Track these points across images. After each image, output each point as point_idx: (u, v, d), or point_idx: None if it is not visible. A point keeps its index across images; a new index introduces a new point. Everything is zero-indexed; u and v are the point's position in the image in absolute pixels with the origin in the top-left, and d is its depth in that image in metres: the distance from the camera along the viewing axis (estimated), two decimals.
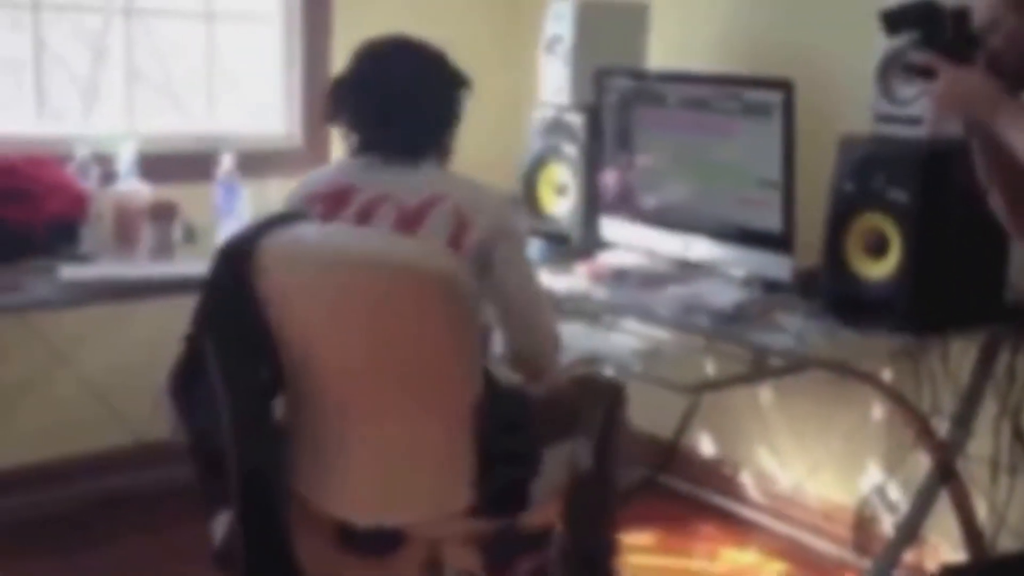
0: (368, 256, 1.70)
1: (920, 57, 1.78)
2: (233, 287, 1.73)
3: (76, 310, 2.52)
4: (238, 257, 1.72)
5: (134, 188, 2.51)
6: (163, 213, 2.47)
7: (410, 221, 1.77)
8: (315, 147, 3.06)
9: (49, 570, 2.49)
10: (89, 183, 2.49)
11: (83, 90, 2.92)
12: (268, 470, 1.79)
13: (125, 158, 2.54)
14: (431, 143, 1.88)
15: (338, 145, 3.08)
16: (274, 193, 2.79)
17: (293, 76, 3.03)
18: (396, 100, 1.86)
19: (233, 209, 2.59)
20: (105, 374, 2.80)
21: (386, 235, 1.77)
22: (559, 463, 1.89)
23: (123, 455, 2.85)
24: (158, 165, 2.61)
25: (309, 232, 1.75)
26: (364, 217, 1.79)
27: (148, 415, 2.78)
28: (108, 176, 2.53)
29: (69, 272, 2.26)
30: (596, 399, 2.02)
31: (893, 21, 1.86)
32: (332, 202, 1.82)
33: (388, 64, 1.88)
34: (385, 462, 1.78)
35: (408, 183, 1.81)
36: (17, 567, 2.34)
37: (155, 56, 2.95)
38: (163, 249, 2.46)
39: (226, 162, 2.64)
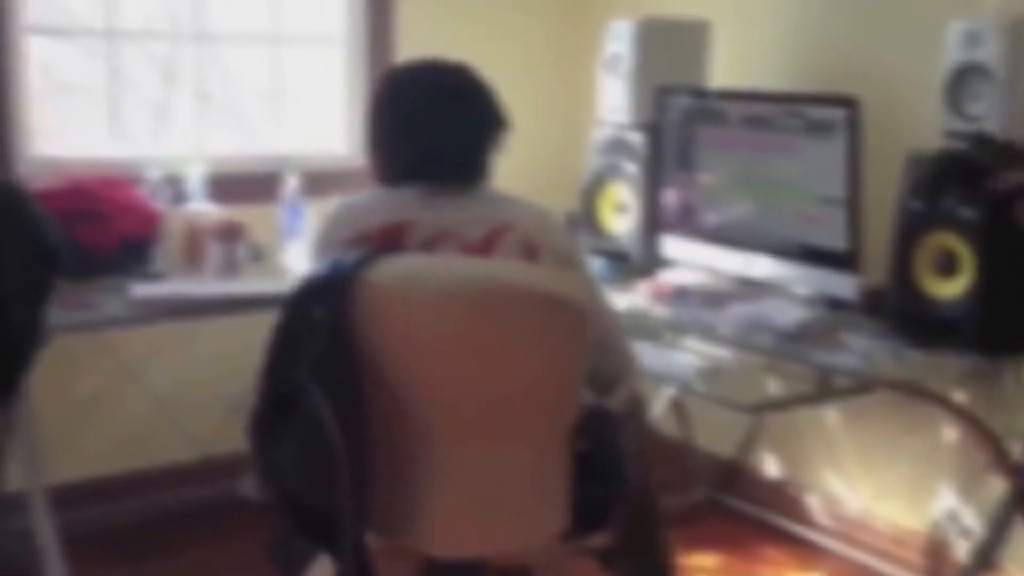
0: (497, 283, 1.63)
1: None
2: (332, 327, 1.59)
3: (146, 327, 2.56)
4: (339, 296, 1.59)
5: (202, 208, 2.56)
6: (230, 233, 2.51)
7: (476, 255, 1.73)
8: None
9: None
10: (160, 203, 2.55)
11: (154, 113, 2.98)
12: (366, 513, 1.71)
13: (194, 179, 2.59)
14: (481, 168, 1.83)
15: None
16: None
17: (355, 99, 3.05)
18: (446, 127, 1.80)
19: (297, 229, 2.63)
20: (173, 390, 2.84)
21: (507, 263, 1.73)
22: None
23: (190, 469, 2.88)
24: (225, 186, 2.66)
25: (419, 263, 1.68)
26: (429, 243, 1.73)
27: (214, 430, 2.82)
28: (178, 197, 2.58)
29: (140, 290, 2.30)
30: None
31: None
32: (385, 240, 1.73)
33: (434, 90, 1.83)
34: (477, 492, 1.70)
35: (468, 215, 1.75)
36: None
37: (223, 79, 3.01)
38: (230, 268, 2.49)
39: (291, 183, 2.68)
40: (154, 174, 2.59)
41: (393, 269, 1.63)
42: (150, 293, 2.30)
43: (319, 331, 1.60)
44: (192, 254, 2.50)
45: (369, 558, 1.73)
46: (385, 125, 1.84)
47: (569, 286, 1.66)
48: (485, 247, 1.72)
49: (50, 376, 2.53)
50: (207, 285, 2.40)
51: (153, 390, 2.81)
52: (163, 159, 2.70)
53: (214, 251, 2.50)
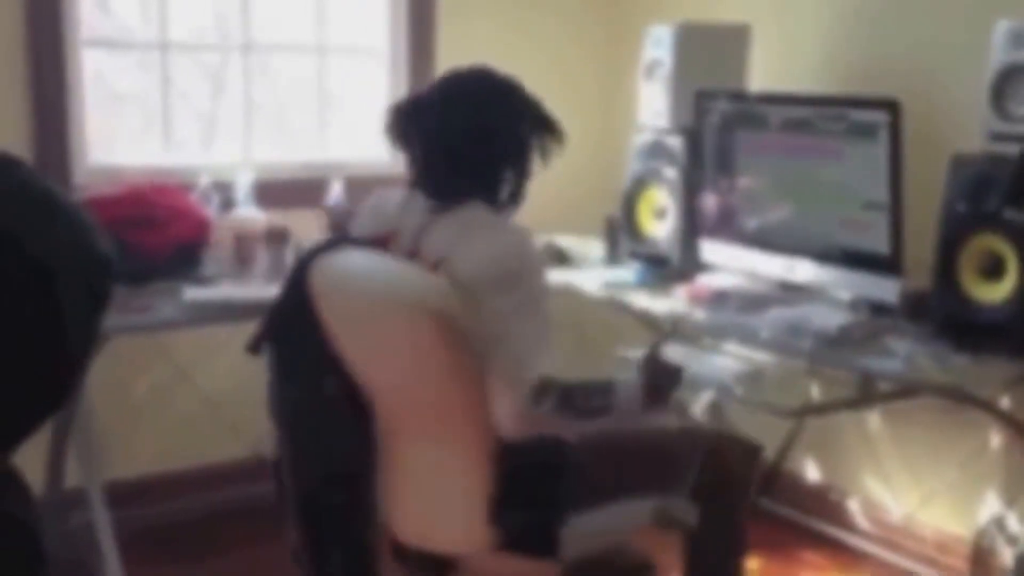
0: (377, 289, 1.68)
1: None
2: (294, 300, 1.73)
3: (198, 329, 2.57)
4: (297, 276, 1.73)
5: (251, 214, 2.56)
6: (277, 237, 2.51)
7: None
8: None
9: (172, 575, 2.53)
10: (210, 210, 2.56)
11: (204, 122, 3.00)
12: (330, 487, 1.78)
13: (242, 186, 2.60)
14: (482, 187, 1.78)
15: None
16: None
17: None
18: (431, 134, 1.79)
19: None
20: (224, 390, 2.85)
21: (400, 270, 1.71)
22: (634, 515, 1.82)
23: (241, 467, 2.88)
24: (272, 192, 2.67)
25: (344, 260, 1.73)
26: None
27: (264, 429, 2.81)
28: (227, 203, 2.59)
29: (192, 293, 2.32)
30: (732, 458, 1.94)
31: None
32: (373, 239, 1.81)
33: (460, 97, 1.81)
34: (421, 487, 1.75)
35: (434, 235, 1.75)
36: (143, 572, 2.38)
37: (270, 89, 3.01)
38: (277, 271, 2.47)
39: (335, 188, 2.67)
40: (204, 181, 2.60)
41: (328, 262, 1.70)
42: (201, 297, 2.32)
43: (282, 304, 1.76)
44: (241, 258, 2.51)
45: (330, 531, 1.78)
46: (403, 130, 1.87)
47: (440, 297, 1.62)
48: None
49: (107, 377, 2.57)
50: (256, 288, 2.39)
51: (205, 390, 2.83)
52: (212, 166, 2.71)
53: (262, 255, 2.51)
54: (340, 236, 1.86)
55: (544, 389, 1.71)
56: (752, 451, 1.99)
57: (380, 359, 1.70)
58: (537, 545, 1.70)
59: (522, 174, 1.83)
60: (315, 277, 1.69)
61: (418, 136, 1.81)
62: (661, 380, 1.87)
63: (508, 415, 1.70)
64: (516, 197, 1.84)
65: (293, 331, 1.75)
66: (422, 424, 1.71)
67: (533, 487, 1.68)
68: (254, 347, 1.80)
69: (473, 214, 1.77)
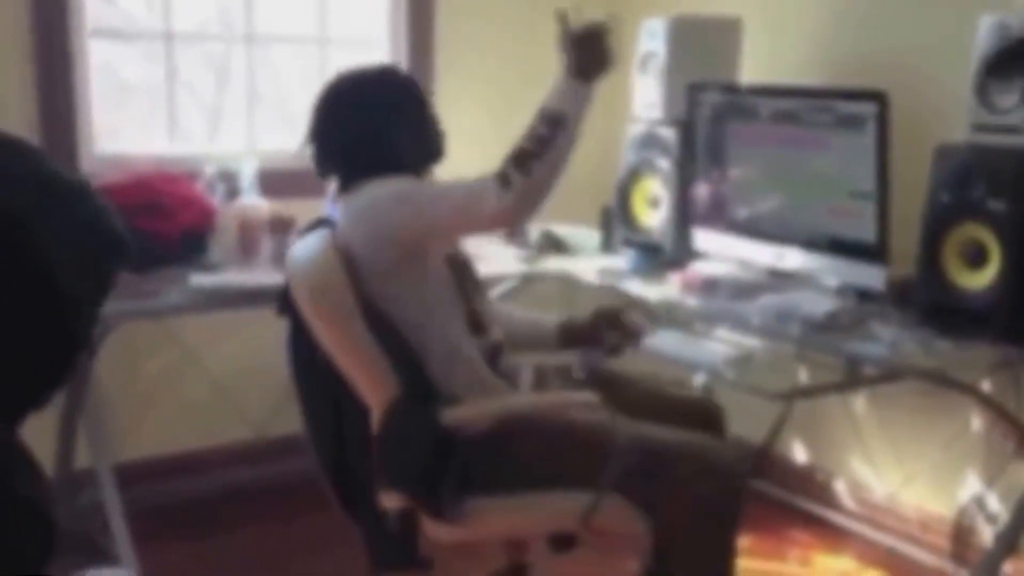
0: (293, 275, 1.80)
1: None
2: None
3: (204, 315, 2.59)
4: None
5: (255, 203, 2.57)
6: (281, 226, 2.52)
7: None
8: None
9: (181, 555, 2.55)
10: (215, 198, 2.56)
11: (209, 112, 3.01)
12: (346, 447, 1.86)
13: (247, 175, 2.60)
14: (368, 164, 1.86)
15: (442, 163, 3.12)
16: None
17: None
18: (319, 141, 1.92)
19: None
20: (230, 374, 2.87)
21: (306, 246, 1.80)
22: (557, 508, 1.76)
23: (247, 449, 2.90)
24: (276, 181, 2.67)
25: (300, 243, 1.84)
26: None
27: (269, 412, 2.84)
28: (232, 192, 2.59)
29: (198, 280, 2.33)
30: (674, 475, 1.74)
31: None
32: None
33: (324, 118, 1.91)
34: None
35: (344, 215, 1.86)
36: (151, 551, 2.41)
37: (273, 80, 3.02)
38: (281, 259, 2.48)
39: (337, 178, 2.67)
40: (209, 170, 2.60)
41: (296, 243, 1.85)
42: (207, 283, 2.33)
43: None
44: (246, 246, 2.52)
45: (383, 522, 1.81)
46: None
47: (310, 269, 1.74)
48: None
49: (116, 360, 2.59)
50: (260, 275, 2.40)
51: (211, 374, 2.85)
52: (217, 156, 2.71)
53: (266, 243, 2.53)
54: (319, 219, 1.92)
55: (501, 165, 1.77)
56: (724, 475, 1.76)
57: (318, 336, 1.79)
58: (427, 512, 1.74)
59: (417, 134, 1.91)
60: (288, 259, 1.83)
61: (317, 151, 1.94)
62: (589, 46, 1.83)
63: (496, 215, 1.77)
64: (428, 154, 1.94)
65: (291, 307, 1.84)
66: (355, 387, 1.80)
67: (398, 455, 1.73)
68: (280, 311, 1.90)
69: (359, 191, 1.84)
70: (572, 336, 2.05)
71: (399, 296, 1.78)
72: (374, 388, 1.75)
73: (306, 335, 1.80)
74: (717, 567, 1.78)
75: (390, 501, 1.79)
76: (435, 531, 1.79)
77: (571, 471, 1.73)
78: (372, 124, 1.87)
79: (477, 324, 1.87)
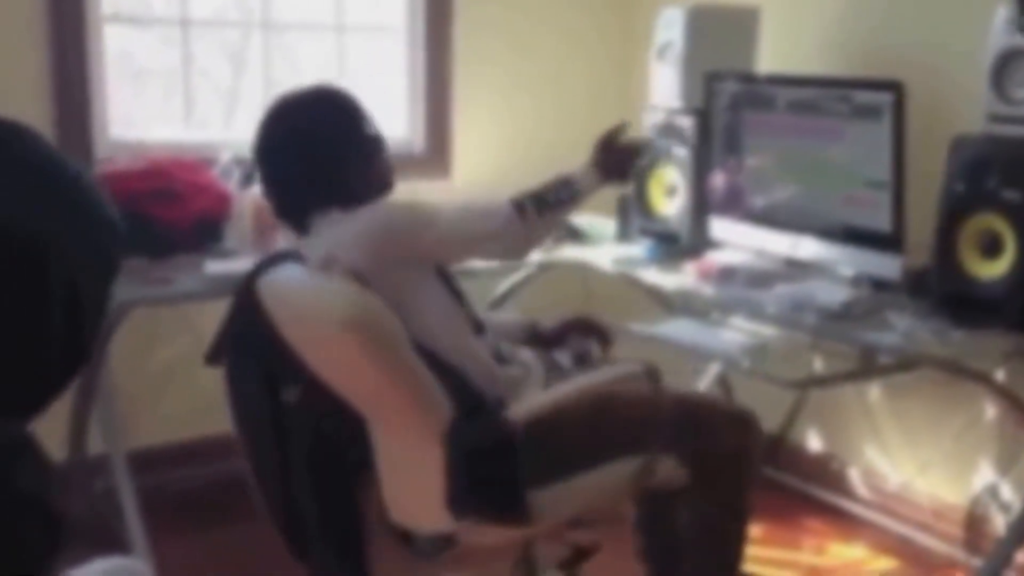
0: (302, 308, 1.72)
1: None
2: (244, 318, 1.79)
3: (219, 302, 2.64)
4: (244, 292, 1.78)
5: None
6: None
7: None
8: (437, 152, 3.14)
9: (194, 541, 2.62)
10: (231, 185, 2.61)
11: (225, 99, 3.06)
12: (293, 487, 1.83)
13: None
14: (322, 200, 1.86)
15: (459, 151, 3.20)
16: (397, 195, 2.88)
17: (416, 85, 3.12)
18: (271, 180, 1.91)
19: None
20: None
21: (321, 284, 1.74)
22: (614, 479, 1.84)
23: None
24: None
25: (282, 275, 1.77)
26: None
27: None
28: (247, 178, 2.63)
29: (213, 267, 2.38)
30: (713, 430, 1.93)
31: None
32: None
33: (266, 140, 1.92)
34: (399, 475, 1.80)
35: (339, 243, 1.82)
36: (164, 537, 2.46)
37: (290, 66, 3.07)
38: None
39: None
40: (225, 157, 2.66)
41: (269, 278, 1.75)
42: (222, 270, 2.37)
43: (232, 319, 1.83)
44: (261, 233, 2.55)
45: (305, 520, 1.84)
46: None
47: (348, 306, 1.64)
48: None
49: (130, 347, 2.64)
50: None
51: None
52: (233, 142, 2.76)
53: (281, 230, 2.58)
54: (283, 252, 1.88)
55: (520, 197, 1.90)
56: (744, 419, 1.98)
57: (331, 367, 1.72)
58: (508, 521, 1.76)
59: (366, 165, 1.92)
60: (264, 294, 1.73)
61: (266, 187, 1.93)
62: (619, 155, 2.13)
63: (505, 236, 1.89)
64: (379, 186, 1.93)
65: (247, 345, 1.79)
66: (380, 420, 1.76)
67: (479, 470, 1.71)
68: (212, 359, 1.86)
69: (328, 219, 1.85)
70: (538, 339, 2.11)
71: (417, 313, 1.79)
72: (430, 414, 1.70)
73: (269, 373, 1.76)
74: (737, 507, 1.99)
75: (439, 525, 1.77)
76: (484, 538, 1.80)
77: (619, 442, 1.83)
78: (325, 156, 1.87)
79: (478, 325, 1.93)
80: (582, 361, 2.08)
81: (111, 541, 2.38)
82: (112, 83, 2.75)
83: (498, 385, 1.85)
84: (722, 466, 1.92)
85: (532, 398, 1.83)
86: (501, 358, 1.93)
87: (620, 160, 2.15)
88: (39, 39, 2.59)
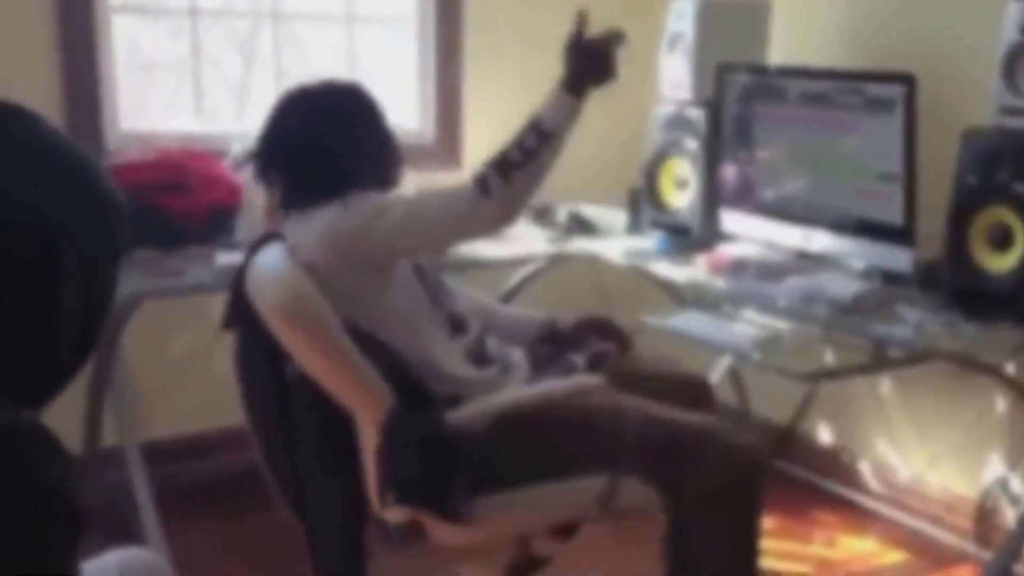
0: (262, 295, 1.77)
1: None
2: (236, 297, 1.85)
3: None
4: (240, 270, 1.86)
5: None
6: None
7: None
8: (447, 143, 3.18)
9: (209, 533, 2.66)
10: (242, 176, 2.63)
11: (235, 90, 3.09)
12: (297, 467, 1.88)
13: None
14: (328, 190, 1.87)
15: (469, 141, 3.24)
16: (408, 186, 2.93)
17: (427, 76, 3.15)
18: (280, 159, 1.93)
19: None
20: None
21: (264, 268, 1.79)
22: (575, 497, 1.81)
23: None
24: None
25: (260, 257, 1.82)
26: None
27: None
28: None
29: (224, 258, 2.41)
30: (698, 459, 1.80)
31: None
32: None
33: (273, 126, 1.95)
34: (369, 460, 1.83)
35: (304, 234, 1.85)
36: (179, 529, 2.50)
37: (299, 58, 3.10)
38: None
39: None
40: (235, 148, 2.68)
41: (255, 259, 1.82)
42: (233, 262, 2.33)
43: (232, 297, 1.88)
44: (271, 225, 2.59)
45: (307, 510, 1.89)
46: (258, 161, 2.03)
47: (285, 295, 1.71)
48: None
49: (142, 339, 2.68)
50: None
51: None
52: (244, 134, 2.77)
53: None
54: (269, 233, 1.91)
55: (482, 170, 1.79)
56: (743, 453, 1.83)
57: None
58: (442, 517, 1.75)
59: (374, 163, 1.94)
60: (247, 274, 1.81)
61: (270, 158, 1.97)
62: (592, 54, 1.87)
63: (474, 222, 1.81)
64: (382, 183, 1.94)
65: (248, 320, 1.83)
66: (344, 403, 1.79)
67: (413, 465, 1.72)
68: (227, 325, 1.91)
69: (317, 212, 1.86)
70: (554, 337, 2.11)
71: (375, 308, 1.81)
72: (368, 401, 1.75)
73: (267, 350, 1.81)
74: (740, 549, 1.84)
75: (395, 515, 1.80)
76: (446, 535, 1.80)
77: (584, 457, 1.78)
78: (333, 137, 1.90)
79: (458, 324, 1.94)
80: (598, 364, 2.04)
81: (125, 533, 2.41)
82: (122, 74, 2.79)
83: (462, 386, 1.84)
84: (713, 501, 1.78)
85: (483, 402, 1.81)
86: (482, 358, 1.93)
87: (595, 58, 1.87)
88: (48, 31, 2.62)
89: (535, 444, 1.79)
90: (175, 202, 2.51)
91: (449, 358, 1.86)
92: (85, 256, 0.89)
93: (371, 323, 1.80)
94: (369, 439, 1.79)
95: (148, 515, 2.43)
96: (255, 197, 2.62)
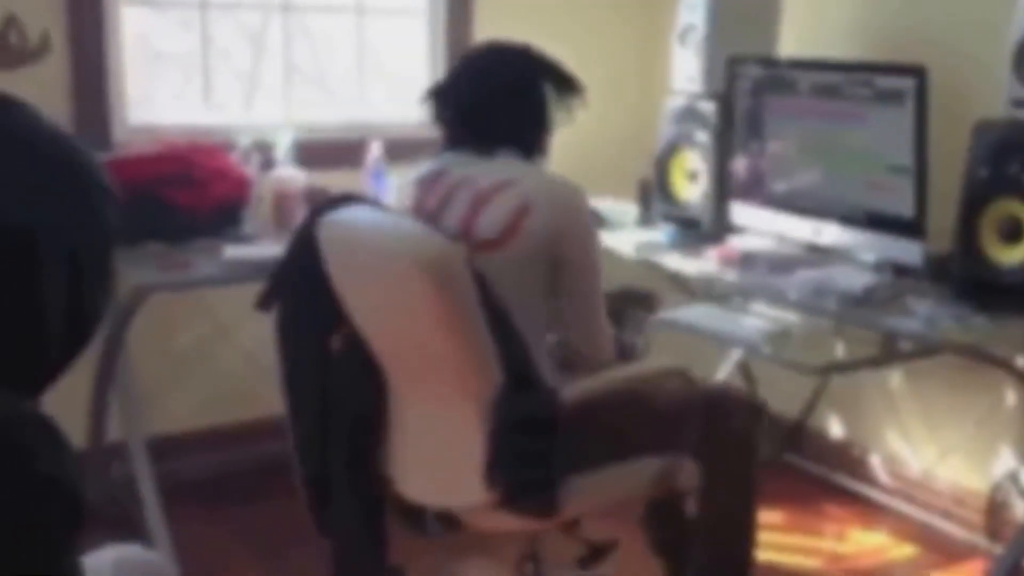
0: (376, 243, 1.78)
1: None
2: (301, 258, 1.87)
3: (238, 287, 2.72)
4: (305, 230, 1.87)
5: (290, 174, 2.67)
6: (317, 197, 2.58)
7: (480, 201, 1.86)
8: None
9: (213, 528, 2.68)
10: (250, 169, 2.67)
11: (244, 82, 3.10)
12: (336, 444, 1.90)
13: (282, 146, 2.71)
14: (509, 139, 1.95)
15: None
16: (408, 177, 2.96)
17: (437, 67, 3.16)
18: (474, 101, 1.97)
19: (380, 193, 2.73)
20: (263, 346, 2.93)
21: (400, 222, 1.83)
22: (637, 477, 1.93)
23: (280, 422, 3.01)
24: (312, 152, 2.79)
25: (350, 215, 1.84)
26: (447, 198, 1.91)
27: None
28: (267, 163, 2.70)
29: (232, 252, 2.43)
30: (726, 416, 2.01)
31: None
32: (425, 184, 1.96)
33: (472, 68, 2.02)
34: (423, 444, 1.87)
35: (485, 169, 1.90)
36: (183, 524, 2.52)
37: (310, 50, 3.12)
38: None
39: (374, 149, 2.79)
40: (244, 141, 2.71)
41: (334, 217, 1.83)
42: (241, 255, 2.43)
43: (289, 260, 1.91)
44: (281, 217, 2.60)
45: (331, 488, 1.92)
46: (441, 100, 2.06)
47: (434, 247, 1.70)
48: (487, 195, 1.86)
49: (149, 333, 2.70)
50: None
51: (244, 347, 2.96)
52: (253, 126, 2.82)
53: (301, 215, 2.62)
54: (347, 193, 1.96)
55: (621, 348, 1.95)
56: (755, 408, 2.12)
57: (380, 312, 1.79)
58: (535, 503, 1.78)
59: (545, 129, 2.00)
60: (323, 233, 1.82)
61: (451, 106, 2.01)
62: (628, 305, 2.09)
63: (598, 347, 1.93)
64: (541, 150, 2.01)
65: (301, 288, 1.86)
66: (421, 378, 1.81)
67: (525, 443, 1.74)
68: (264, 303, 1.94)
69: (515, 160, 1.94)
70: None
71: (530, 291, 1.86)
72: (479, 377, 1.74)
73: (320, 318, 1.84)
74: (751, 498, 2.06)
75: (462, 497, 1.82)
76: (488, 523, 1.85)
77: (649, 438, 1.90)
78: (529, 100, 1.97)
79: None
80: (640, 332, 2.17)
81: (129, 528, 2.43)
82: (131, 66, 2.80)
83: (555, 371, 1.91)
84: (730, 452, 1.99)
85: (577, 384, 1.86)
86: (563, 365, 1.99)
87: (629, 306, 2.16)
88: (57, 22, 2.64)
89: (616, 426, 1.86)
90: (183, 195, 2.53)
91: (544, 366, 1.88)
92: (72, 251, 0.89)
93: (520, 298, 1.83)
94: (417, 419, 1.82)
95: (153, 510, 2.45)
96: (263, 190, 2.66)
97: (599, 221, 2.07)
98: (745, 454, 2.03)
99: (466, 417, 1.76)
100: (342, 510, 1.93)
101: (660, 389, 1.93)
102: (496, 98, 1.96)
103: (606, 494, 1.91)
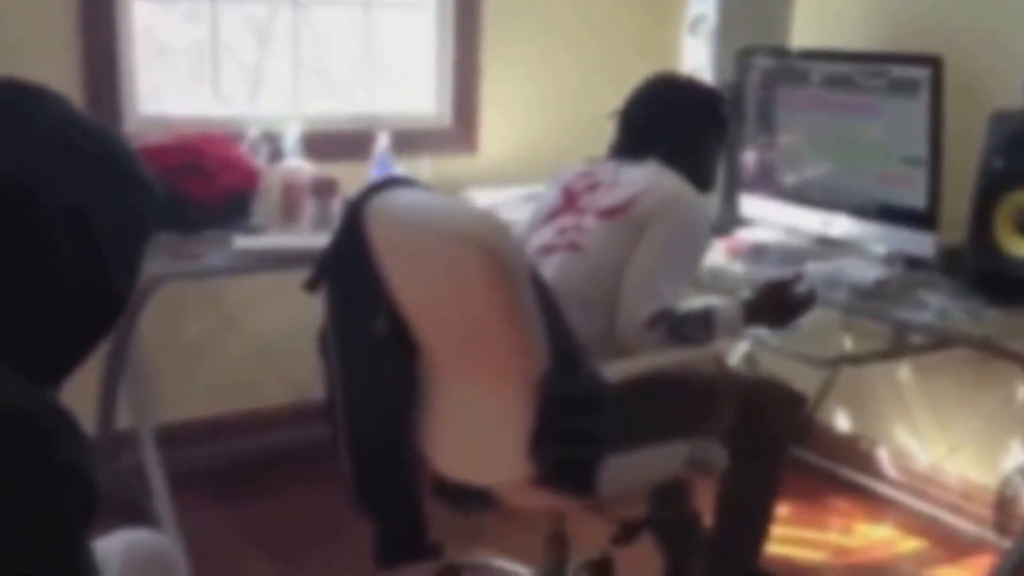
0: (429, 223, 1.73)
1: None
2: (348, 240, 1.83)
3: (247, 277, 2.68)
4: (352, 212, 1.84)
5: (298, 165, 2.63)
6: (324, 188, 2.59)
7: (613, 184, 2.00)
8: (464, 127, 3.15)
9: (222, 517, 2.66)
10: (258, 161, 2.63)
11: (252, 75, 3.06)
12: (380, 424, 1.89)
13: (290, 138, 2.67)
14: (659, 153, 2.04)
15: (486, 126, 3.20)
16: (425, 169, 2.90)
17: (444, 60, 3.12)
18: (633, 119, 2.11)
19: None
20: (271, 336, 2.96)
21: (452, 206, 1.83)
22: (670, 459, 1.90)
23: (287, 412, 3.00)
24: (320, 144, 2.75)
25: (398, 197, 1.80)
26: (593, 186, 2.03)
27: (309, 375, 2.94)
28: (275, 154, 2.67)
29: (241, 242, 2.40)
30: (763, 409, 2.02)
31: None
32: (579, 176, 2.08)
33: (639, 90, 2.15)
34: (463, 421, 1.85)
35: (629, 173, 2.02)
36: (192, 513, 2.50)
37: (317, 43, 3.07)
38: (324, 222, 2.58)
39: (382, 141, 2.75)
40: (253, 132, 2.68)
41: (385, 198, 1.80)
42: (250, 245, 2.40)
43: (338, 241, 1.88)
44: (289, 209, 2.58)
45: (384, 470, 1.90)
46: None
47: (490, 230, 1.65)
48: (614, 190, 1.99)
49: (158, 323, 2.67)
50: (303, 238, 2.47)
51: (253, 337, 2.94)
52: (261, 118, 2.79)
53: (309, 206, 2.59)
54: (393, 176, 1.95)
55: (661, 317, 1.88)
56: (795, 401, 2.11)
57: (429, 292, 1.76)
58: (574, 482, 1.76)
59: (702, 155, 2.13)
60: (370, 214, 1.79)
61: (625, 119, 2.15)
62: (787, 309, 2.03)
63: (624, 330, 1.89)
64: (702, 181, 2.11)
65: (348, 270, 1.84)
66: (466, 359, 1.80)
67: (570, 422, 1.72)
68: (311, 285, 1.90)
69: (659, 165, 2.04)
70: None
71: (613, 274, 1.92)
72: (526, 359, 1.70)
73: (366, 300, 1.81)
74: (772, 485, 2.10)
75: (504, 474, 1.79)
76: (525, 500, 1.84)
77: (685, 421, 1.88)
78: (684, 126, 2.11)
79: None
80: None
81: (138, 516, 2.41)
82: (140, 59, 2.76)
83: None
84: (759, 443, 1.99)
85: (619, 364, 1.84)
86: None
87: (786, 313, 2.04)
88: (69, 16, 2.62)
89: (655, 408, 1.83)
90: (193, 186, 2.49)
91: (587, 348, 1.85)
92: (95, 226, 0.89)
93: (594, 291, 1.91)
94: (459, 398, 1.81)
95: (161, 498, 2.43)
96: (273, 181, 2.61)
97: (707, 236, 2.09)
98: (776, 448, 2.04)
99: (510, 396, 1.73)
100: (385, 488, 1.92)
101: (695, 373, 1.92)
102: (657, 121, 2.09)
103: (642, 475, 1.90)
